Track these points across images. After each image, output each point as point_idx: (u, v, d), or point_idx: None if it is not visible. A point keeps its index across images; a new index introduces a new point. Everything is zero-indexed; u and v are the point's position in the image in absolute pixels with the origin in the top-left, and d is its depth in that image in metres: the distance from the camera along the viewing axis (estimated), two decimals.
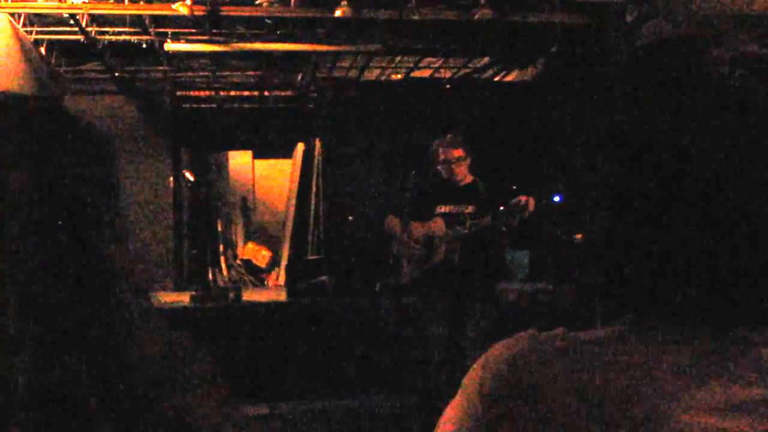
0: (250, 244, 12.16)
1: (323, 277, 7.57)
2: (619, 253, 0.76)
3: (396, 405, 5.97)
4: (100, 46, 8.13)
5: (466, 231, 4.98)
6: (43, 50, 7.99)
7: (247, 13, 7.26)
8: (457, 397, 0.80)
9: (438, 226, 5.10)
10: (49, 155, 0.69)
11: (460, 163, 5.14)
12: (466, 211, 5.10)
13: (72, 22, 7.30)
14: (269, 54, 8.71)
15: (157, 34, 8.02)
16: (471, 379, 0.79)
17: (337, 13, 6.88)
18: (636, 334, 0.75)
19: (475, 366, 0.79)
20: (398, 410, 5.90)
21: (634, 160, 0.74)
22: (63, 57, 8.66)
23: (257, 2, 6.89)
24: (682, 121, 0.71)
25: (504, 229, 4.96)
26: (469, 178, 5.23)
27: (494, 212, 4.93)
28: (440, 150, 5.17)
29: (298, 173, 10.95)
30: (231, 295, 7.26)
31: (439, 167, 5.21)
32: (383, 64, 9.85)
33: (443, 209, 5.16)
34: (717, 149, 0.70)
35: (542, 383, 0.73)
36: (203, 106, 11.06)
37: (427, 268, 5.14)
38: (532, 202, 4.90)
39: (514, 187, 8.82)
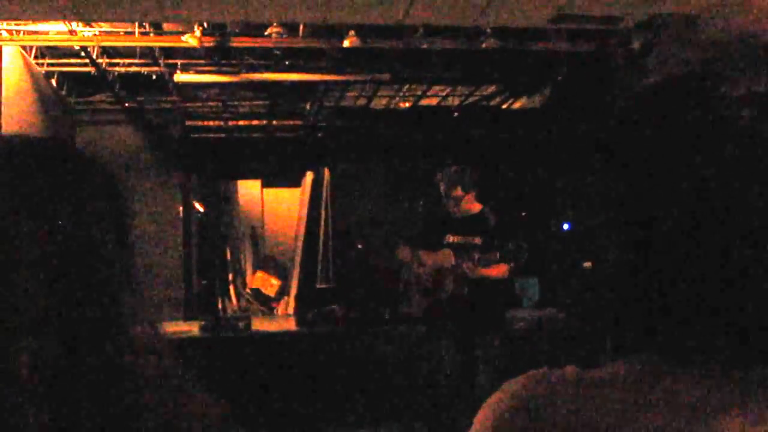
0: (259, 273, 12.15)
1: (333, 306, 7.56)
2: (633, 287, 0.75)
3: None
4: (110, 78, 8.21)
5: (473, 274, 4.97)
6: (54, 82, 8.07)
7: (256, 44, 7.32)
8: None
9: (446, 257, 5.10)
10: (60, 197, 0.70)
11: (464, 199, 5.15)
12: (474, 241, 5.10)
13: (83, 54, 7.38)
14: (278, 84, 8.77)
15: (167, 65, 8.09)
16: (481, 420, 0.78)
17: (346, 43, 6.93)
18: (650, 372, 0.74)
19: (485, 406, 0.78)
20: None
21: (646, 196, 0.74)
22: (74, 88, 8.75)
23: (266, 33, 6.94)
24: (692, 159, 0.71)
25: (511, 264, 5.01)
26: (477, 207, 5.24)
27: (501, 251, 4.94)
28: (442, 186, 5.19)
29: (307, 202, 10.96)
30: (240, 324, 7.24)
31: (443, 200, 5.24)
32: (391, 93, 9.90)
33: (451, 239, 5.16)
34: (729, 186, 0.70)
35: (554, 425, 0.72)
36: (212, 135, 11.12)
37: (436, 300, 5.13)
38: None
39: (523, 214, 8.83)
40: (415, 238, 5.40)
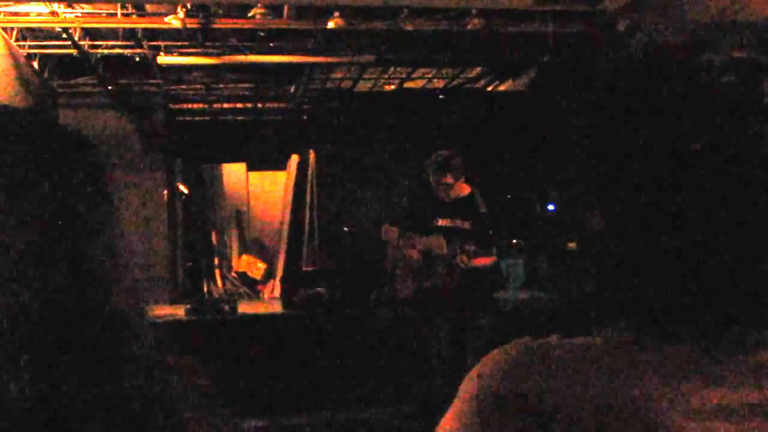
0: (245, 257, 12.15)
1: (319, 289, 7.56)
2: (613, 258, 0.76)
3: (395, 415, 5.96)
4: (93, 60, 8.14)
5: (467, 266, 4.98)
6: (36, 64, 7.99)
7: (239, 26, 7.28)
8: (453, 407, 0.80)
9: (439, 243, 5.08)
10: (42, 168, 0.69)
11: (454, 186, 5.12)
12: (464, 226, 5.09)
13: (65, 36, 7.30)
14: (262, 66, 8.73)
15: (150, 47, 8.03)
16: (466, 388, 0.79)
17: (330, 24, 6.90)
18: (630, 340, 0.75)
19: (470, 375, 0.79)
20: (397, 421, 5.89)
21: (627, 167, 0.74)
22: (56, 71, 8.67)
23: (250, 14, 6.90)
24: (673, 127, 0.72)
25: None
26: (466, 190, 5.21)
27: (497, 246, 4.96)
28: (431, 173, 5.14)
29: (292, 185, 10.95)
30: (226, 307, 7.24)
31: (433, 187, 5.19)
32: (376, 75, 9.87)
33: (441, 222, 5.14)
34: (708, 153, 0.70)
35: (536, 392, 0.73)
36: (197, 118, 11.07)
37: (425, 285, 5.13)
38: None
39: (509, 197, 8.85)
40: (404, 220, 5.37)
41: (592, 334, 0.77)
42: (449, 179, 5.08)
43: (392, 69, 9.62)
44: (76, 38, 7.40)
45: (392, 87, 10.16)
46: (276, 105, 10.74)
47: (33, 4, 6.72)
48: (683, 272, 0.72)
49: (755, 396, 0.69)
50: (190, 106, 10.68)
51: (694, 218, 0.71)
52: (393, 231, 5.31)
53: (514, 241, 5.01)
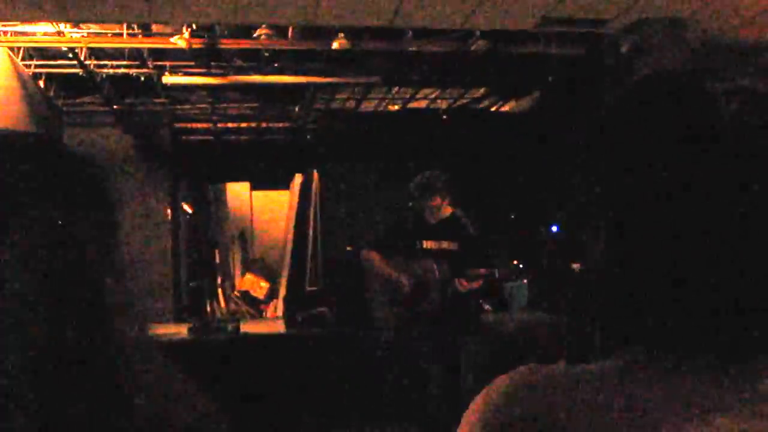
0: (248, 276, 12.14)
1: (322, 309, 7.54)
2: (621, 282, 0.76)
3: None
4: (98, 79, 8.18)
5: (464, 290, 4.87)
6: (41, 83, 8.03)
7: (244, 46, 7.32)
8: (459, 430, 0.80)
9: (429, 267, 4.98)
10: (48, 191, 0.69)
11: (441, 206, 5.04)
12: (449, 248, 5.00)
13: (71, 55, 7.35)
14: (267, 86, 8.76)
15: (156, 67, 8.07)
16: (471, 413, 0.78)
17: (335, 45, 6.93)
18: (639, 367, 0.74)
19: (475, 400, 0.78)
20: None
21: (633, 190, 0.74)
22: (61, 90, 8.71)
23: (255, 35, 6.94)
24: (678, 153, 0.72)
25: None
26: (448, 211, 5.09)
27: (490, 266, 4.91)
28: (415, 195, 5.03)
29: (295, 204, 10.96)
30: (229, 327, 7.22)
31: (418, 209, 5.09)
32: (380, 96, 9.90)
33: (427, 245, 5.04)
34: (714, 179, 0.70)
35: (543, 419, 0.72)
36: (201, 138, 11.10)
37: (417, 312, 5.01)
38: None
39: (512, 217, 8.85)
40: (386, 243, 5.20)
41: (598, 360, 0.76)
42: (437, 201, 4.99)
43: (396, 89, 9.65)
44: (82, 58, 7.44)
45: (396, 107, 10.19)
46: (280, 125, 10.77)
47: (39, 24, 6.76)
48: (691, 297, 0.71)
49: (764, 425, 0.68)
50: (194, 125, 10.72)
51: (702, 243, 0.70)
52: (374, 255, 5.20)
53: (514, 262, 4.96)
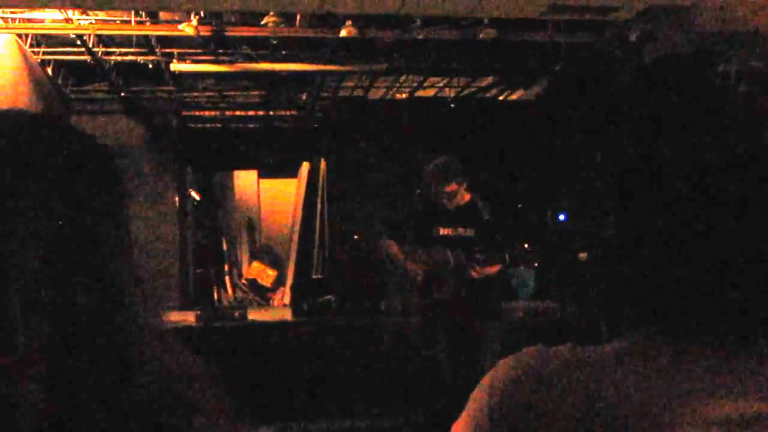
0: (255, 264, 12.16)
1: (329, 297, 7.56)
2: (629, 265, 0.76)
3: (403, 424, 5.94)
4: (106, 67, 8.19)
5: (479, 276, 4.84)
6: (50, 70, 8.04)
7: (252, 34, 7.31)
8: (464, 415, 0.80)
9: (444, 255, 4.96)
10: (56, 171, 0.70)
11: (458, 192, 5.00)
12: (467, 234, 4.99)
13: (79, 42, 7.35)
14: (274, 74, 8.76)
15: (164, 54, 8.07)
16: (477, 396, 0.78)
17: (342, 33, 6.92)
18: (644, 349, 0.74)
19: (482, 382, 0.79)
20: (405, 429, 5.87)
21: (642, 175, 0.74)
22: (70, 77, 8.72)
23: (263, 23, 6.93)
24: (689, 135, 0.72)
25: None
26: (467, 197, 5.05)
27: (502, 251, 4.87)
28: (431, 182, 4.96)
29: (303, 192, 10.96)
30: (236, 314, 7.25)
31: (433, 196, 5.02)
32: (388, 84, 9.88)
33: (443, 232, 5.02)
34: (724, 161, 0.70)
35: (549, 399, 0.72)
36: (209, 125, 11.11)
37: (434, 299, 5.00)
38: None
39: (520, 206, 8.83)
40: (406, 233, 5.16)
41: (604, 343, 0.76)
42: (453, 186, 4.93)
43: (404, 77, 9.62)
44: (90, 45, 7.44)
45: (404, 95, 10.17)
46: (288, 113, 10.76)
47: (48, 11, 6.76)
48: (699, 281, 0.71)
49: None
50: (202, 113, 10.72)
51: (709, 227, 0.70)
52: (392, 245, 5.19)
53: (524, 246, 4.91)
